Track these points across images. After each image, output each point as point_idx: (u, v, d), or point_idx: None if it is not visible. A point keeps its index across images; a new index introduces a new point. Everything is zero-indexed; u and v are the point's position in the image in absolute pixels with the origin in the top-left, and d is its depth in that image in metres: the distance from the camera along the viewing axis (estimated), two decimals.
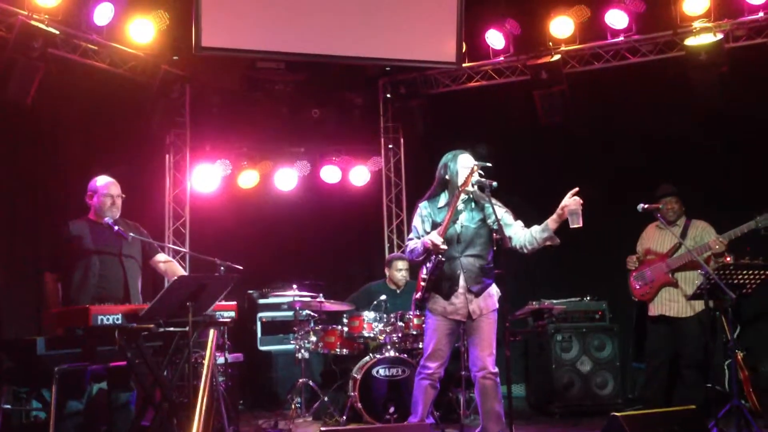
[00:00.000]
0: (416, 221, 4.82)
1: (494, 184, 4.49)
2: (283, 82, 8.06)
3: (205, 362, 3.65)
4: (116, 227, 4.82)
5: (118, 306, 4.29)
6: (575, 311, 6.68)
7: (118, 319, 4.16)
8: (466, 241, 4.65)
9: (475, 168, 4.52)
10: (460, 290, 4.61)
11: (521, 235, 4.57)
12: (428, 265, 4.64)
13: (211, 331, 3.83)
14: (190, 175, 8.02)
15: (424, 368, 4.71)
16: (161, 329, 4.25)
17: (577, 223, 4.34)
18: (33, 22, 6.04)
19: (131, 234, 4.92)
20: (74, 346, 4.24)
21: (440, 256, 4.55)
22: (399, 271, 6.74)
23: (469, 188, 4.61)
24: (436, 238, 4.53)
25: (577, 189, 4.41)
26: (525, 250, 4.57)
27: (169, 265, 5.21)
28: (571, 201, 4.38)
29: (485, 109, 7.97)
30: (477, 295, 4.61)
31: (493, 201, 4.54)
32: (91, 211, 4.97)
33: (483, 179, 4.52)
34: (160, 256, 5.23)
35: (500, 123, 7.81)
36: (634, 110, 7.33)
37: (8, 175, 6.39)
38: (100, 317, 4.10)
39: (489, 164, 4.53)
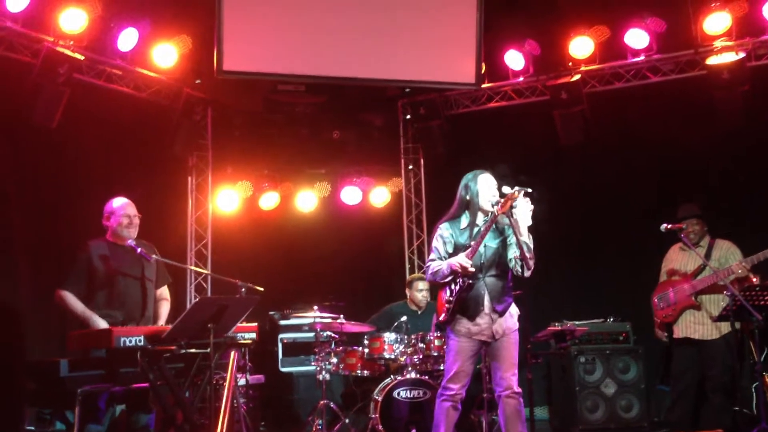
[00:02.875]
0: (437, 243, 4.78)
1: (515, 206, 4.48)
2: (303, 104, 8.13)
3: (226, 384, 3.64)
4: (139, 249, 4.85)
5: (140, 327, 4.32)
6: (599, 333, 6.60)
7: (140, 341, 4.18)
8: (489, 262, 4.64)
9: (516, 194, 4.45)
10: (486, 310, 4.58)
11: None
12: (453, 287, 4.62)
13: (232, 353, 3.83)
14: (212, 196, 8.09)
15: (446, 390, 4.67)
16: (183, 351, 4.26)
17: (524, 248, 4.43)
18: (59, 48, 6.16)
19: (154, 256, 4.96)
20: (97, 368, 4.26)
21: (468, 278, 4.53)
22: (420, 292, 6.72)
23: (491, 208, 4.59)
24: (465, 261, 4.50)
25: (523, 191, 4.45)
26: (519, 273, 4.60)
27: (161, 304, 5.17)
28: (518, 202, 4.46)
29: (505, 130, 7.96)
30: (501, 314, 4.60)
31: (517, 220, 4.52)
32: (108, 233, 4.99)
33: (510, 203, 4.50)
34: (164, 291, 5.23)
35: (520, 143, 7.80)
36: (656, 130, 7.27)
37: (34, 198, 6.49)
38: (122, 339, 4.12)
39: (530, 190, 4.48)
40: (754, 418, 5.35)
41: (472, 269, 4.51)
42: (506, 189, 4.51)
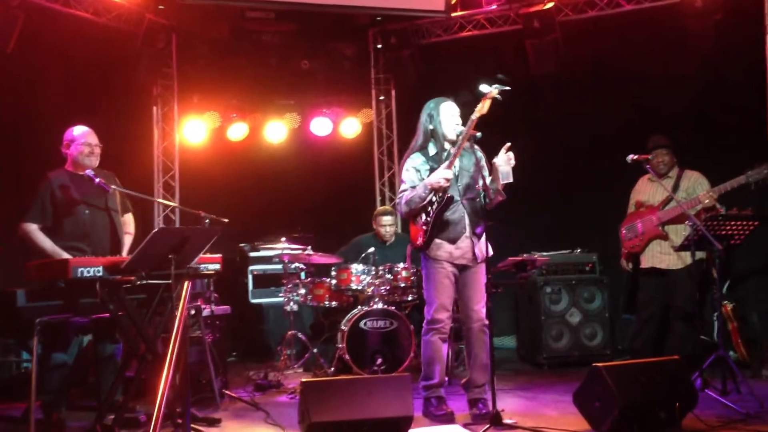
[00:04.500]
0: (409, 174, 4.66)
1: (478, 134, 4.43)
2: (272, 33, 7.91)
3: (177, 314, 3.63)
4: (97, 179, 4.75)
5: (99, 258, 4.24)
6: (565, 263, 6.64)
7: (99, 272, 4.11)
8: (464, 185, 4.59)
9: (494, 92, 4.35)
10: (467, 233, 4.56)
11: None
12: (430, 208, 4.53)
13: (185, 283, 3.79)
14: (178, 127, 7.93)
15: (433, 323, 4.59)
16: (143, 282, 4.22)
17: (506, 179, 4.38)
18: None
19: (113, 186, 4.87)
20: (56, 298, 4.21)
21: (448, 193, 4.45)
22: (383, 227, 6.70)
23: (455, 137, 4.54)
24: (447, 172, 4.42)
25: (509, 144, 4.40)
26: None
27: (126, 237, 5.07)
28: (501, 158, 4.38)
29: (478, 60, 7.80)
30: (479, 238, 4.58)
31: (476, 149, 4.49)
32: (68, 162, 4.89)
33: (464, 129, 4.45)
34: (127, 223, 5.14)
35: (493, 73, 7.62)
36: (628, 60, 7.17)
37: None
38: (80, 269, 4.04)
39: (508, 87, 4.37)
40: (714, 345, 5.45)
41: (448, 184, 4.45)
42: (484, 87, 4.39)
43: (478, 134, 4.42)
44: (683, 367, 4.30)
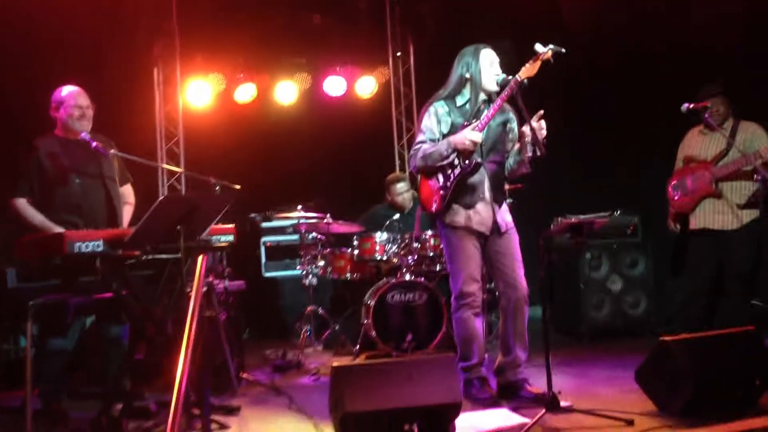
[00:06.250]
0: (430, 122, 4.19)
1: (525, 82, 3.92)
2: None
3: (193, 291, 3.17)
4: (94, 143, 4.25)
5: (98, 231, 3.77)
6: (604, 226, 6.13)
7: (99, 246, 3.65)
8: (488, 146, 4.14)
9: (549, 53, 3.88)
10: (486, 198, 4.11)
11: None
12: (450, 171, 4.09)
13: (200, 257, 3.33)
14: (181, 89, 7.41)
15: (462, 297, 4.13)
16: (149, 256, 3.75)
17: (538, 152, 3.85)
18: None
19: (112, 150, 4.37)
20: (51, 277, 3.79)
21: (474, 158, 4.00)
22: (399, 195, 6.19)
23: (494, 88, 4.08)
24: (476, 136, 3.97)
25: (542, 112, 3.93)
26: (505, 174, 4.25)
27: (123, 207, 4.60)
28: (528, 129, 3.87)
29: (503, 8, 7.22)
30: (500, 205, 4.18)
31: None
32: (57, 126, 4.42)
33: (510, 78, 3.97)
34: (126, 193, 4.66)
35: (520, 23, 7.09)
36: (676, 5, 6.57)
37: None
38: (77, 244, 3.58)
39: (563, 50, 3.90)
40: None
41: (474, 148, 4.01)
42: (539, 47, 3.92)
43: (526, 81, 3.91)
44: (760, 337, 3.82)
